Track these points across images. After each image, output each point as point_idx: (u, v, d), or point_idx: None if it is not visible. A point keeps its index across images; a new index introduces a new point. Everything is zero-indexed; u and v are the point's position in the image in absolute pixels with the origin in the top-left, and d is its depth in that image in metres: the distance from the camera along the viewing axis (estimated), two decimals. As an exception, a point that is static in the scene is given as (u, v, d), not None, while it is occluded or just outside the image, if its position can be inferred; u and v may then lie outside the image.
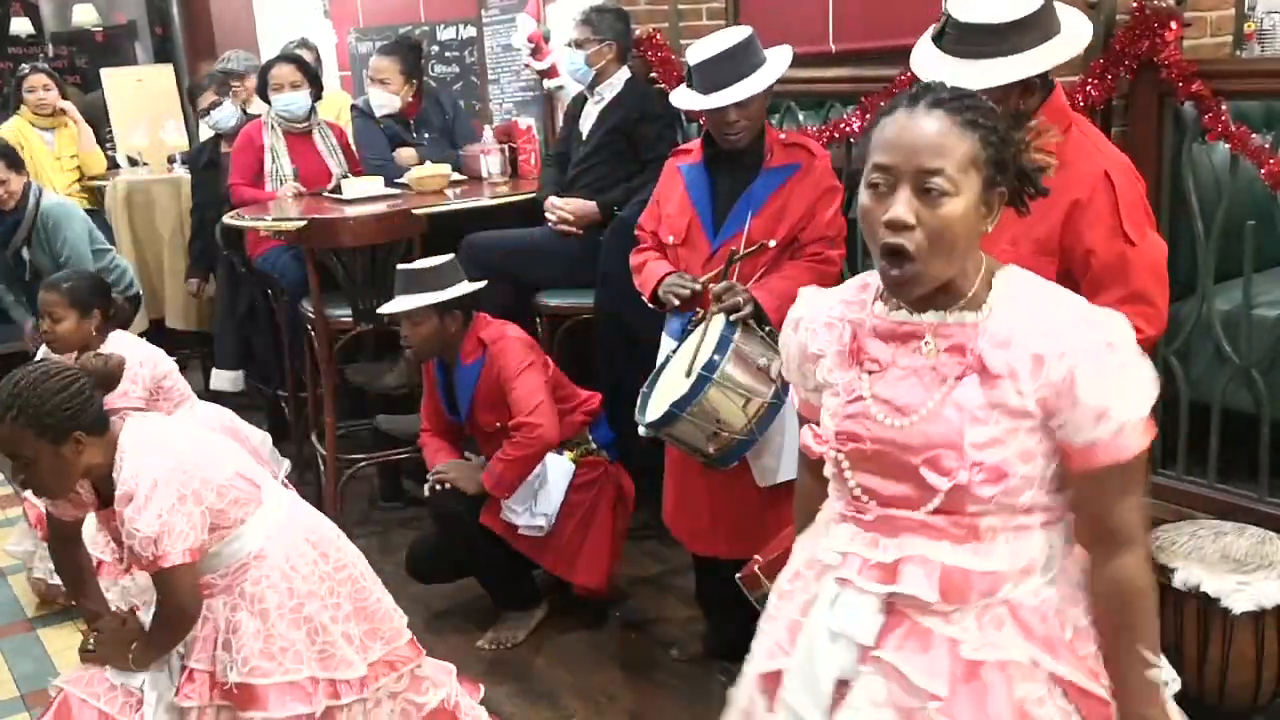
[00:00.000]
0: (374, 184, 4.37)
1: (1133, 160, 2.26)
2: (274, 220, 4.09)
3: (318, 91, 4.69)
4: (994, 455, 1.44)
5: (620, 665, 3.23)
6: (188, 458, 2.23)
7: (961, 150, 1.42)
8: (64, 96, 5.91)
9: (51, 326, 3.29)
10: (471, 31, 5.20)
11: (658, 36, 4.03)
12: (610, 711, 3.01)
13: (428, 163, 4.56)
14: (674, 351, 2.81)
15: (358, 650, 2.36)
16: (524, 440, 3.17)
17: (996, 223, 1.49)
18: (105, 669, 2.35)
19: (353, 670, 2.33)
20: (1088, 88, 2.72)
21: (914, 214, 1.42)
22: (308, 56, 5.09)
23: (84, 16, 8.68)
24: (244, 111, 5.18)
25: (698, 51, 2.76)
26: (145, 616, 2.38)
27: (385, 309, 3.33)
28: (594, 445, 3.42)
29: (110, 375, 2.27)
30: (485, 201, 4.26)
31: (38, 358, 3.60)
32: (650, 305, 2.92)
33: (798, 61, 2.86)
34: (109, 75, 6.75)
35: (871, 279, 1.59)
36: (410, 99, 4.67)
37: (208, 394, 4.57)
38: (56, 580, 3.65)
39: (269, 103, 4.64)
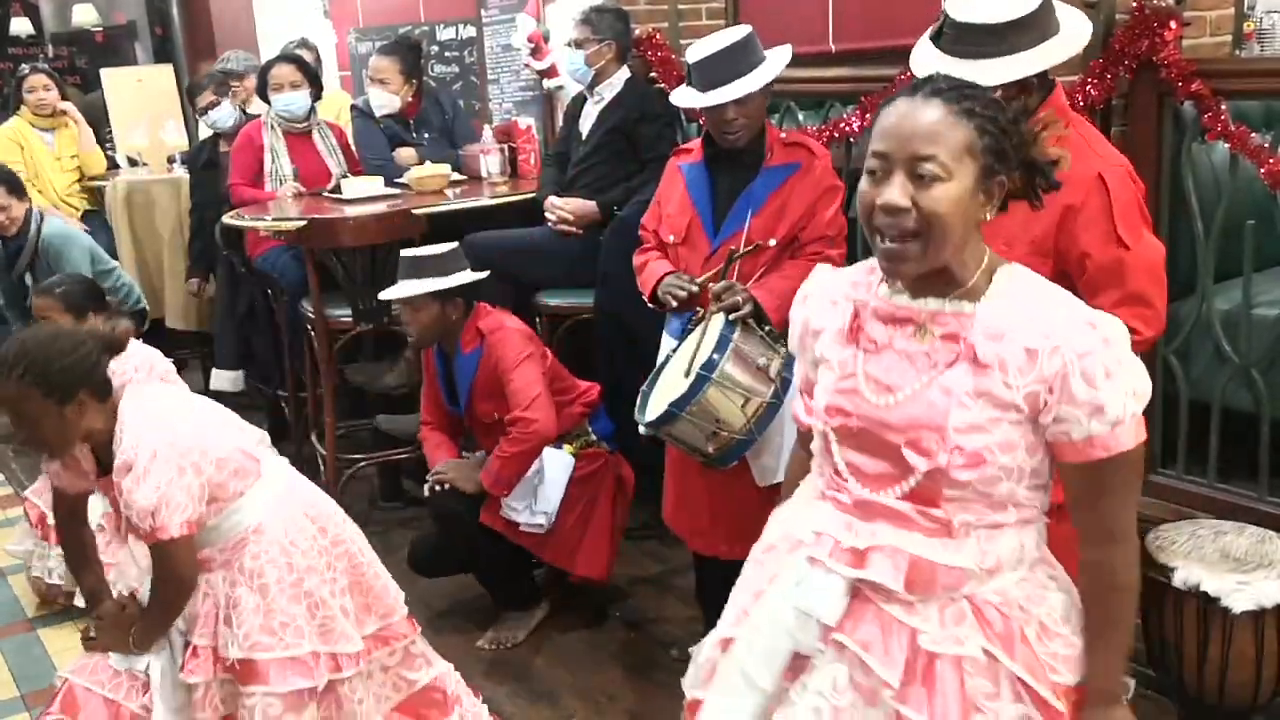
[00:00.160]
0: (374, 184, 4.37)
1: (1132, 160, 2.26)
2: (274, 220, 4.09)
3: (317, 91, 4.70)
4: (975, 441, 1.47)
5: (620, 665, 3.23)
6: (187, 429, 2.24)
7: (956, 137, 1.45)
8: (64, 97, 5.92)
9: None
10: (471, 31, 5.20)
11: (657, 36, 4.03)
12: (610, 711, 3.01)
13: (427, 163, 4.56)
14: (674, 351, 2.81)
15: (354, 624, 2.37)
16: (520, 436, 3.17)
17: (995, 213, 1.51)
18: (109, 656, 2.35)
19: (352, 644, 2.35)
20: (1087, 87, 2.72)
21: (908, 198, 1.45)
22: (308, 56, 5.09)
23: (84, 17, 8.68)
24: (243, 112, 5.18)
25: (697, 50, 2.77)
26: (146, 596, 2.38)
27: (387, 294, 3.33)
28: (593, 437, 3.42)
29: (117, 341, 2.29)
30: (485, 201, 4.26)
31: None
32: (650, 305, 2.93)
33: (798, 61, 2.86)
34: (109, 75, 6.75)
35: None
36: (410, 99, 4.67)
37: (207, 394, 4.53)
38: (56, 580, 3.66)
39: (269, 103, 4.64)
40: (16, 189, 4.38)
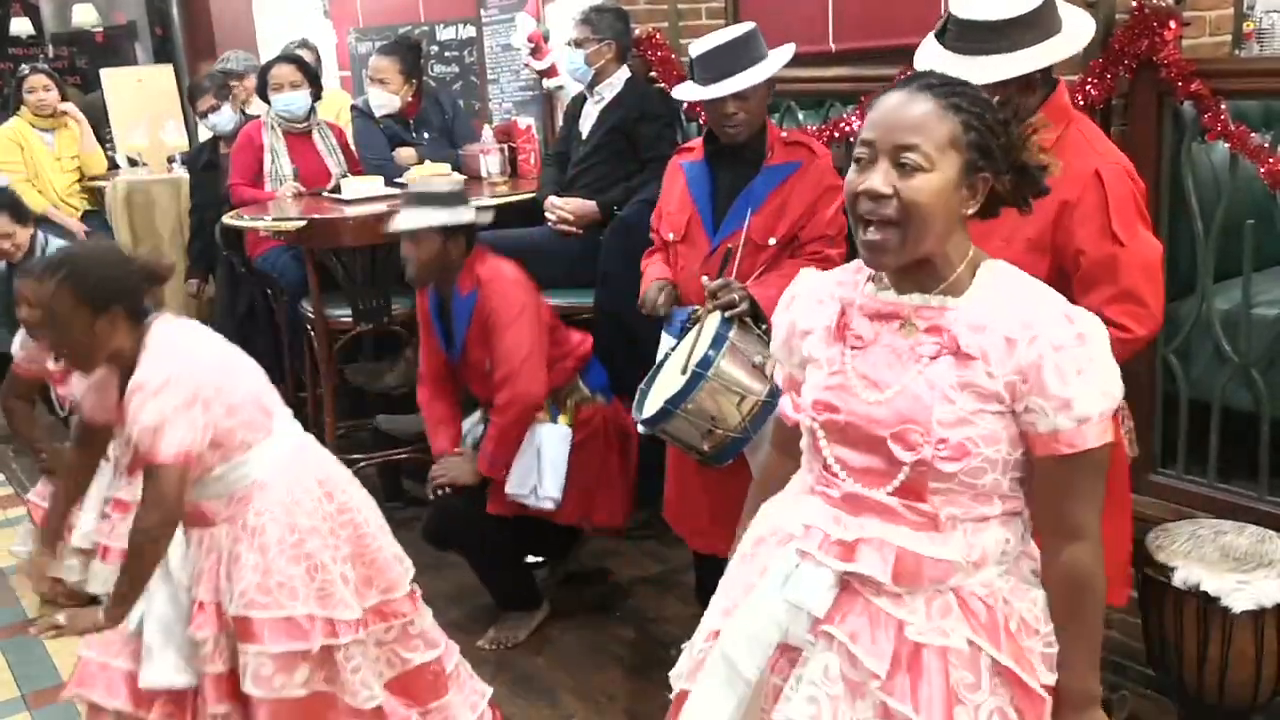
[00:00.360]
0: (374, 184, 4.37)
1: (1132, 159, 2.26)
2: (274, 220, 4.09)
3: (317, 91, 4.70)
4: (959, 433, 1.49)
5: (620, 665, 3.23)
6: (208, 366, 2.27)
7: (941, 130, 1.47)
8: (64, 97, 5.91)
9: (30, 312, 3.29)
10: (471, 31, 5.20)
11: (657, 36, 4.03)
12: (610, 711, 3.01)
13: (427, 162, 4.56)
14: (672, 349, 2.82)
15: (354, 593, 2.37)
16: (506, 404, 3.15)
17: (977, 209, 1.53)
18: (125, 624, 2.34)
19: (350, 611, 2.34)
20: (1087, 87, 2.72)
21: (890, 185, 1.48)
22: (308, 57, 5.09)
23: (84, 17, 8.69)
24: (243, 113, 5.18)
25: (700, 44, 2.78)
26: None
27: (392, 225, 3.25)
28: (587, 392, 3.40)
29: (159, 271, 2.34)
30: (485, 201, 4.26)
31: (17, 345, 3.63)
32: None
33: (798, 61, 2.87)
34: (109, 76, 6.76)
35: None
36: (410, 99, 4.67)
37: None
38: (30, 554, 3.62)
39: (269, 103, 4.64)
40: (21, 215, 4.32)
